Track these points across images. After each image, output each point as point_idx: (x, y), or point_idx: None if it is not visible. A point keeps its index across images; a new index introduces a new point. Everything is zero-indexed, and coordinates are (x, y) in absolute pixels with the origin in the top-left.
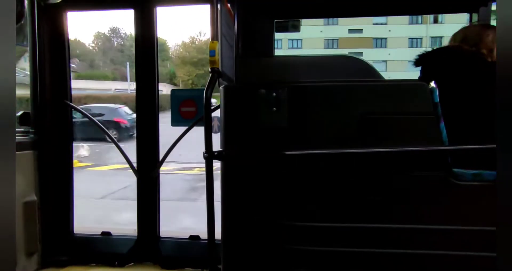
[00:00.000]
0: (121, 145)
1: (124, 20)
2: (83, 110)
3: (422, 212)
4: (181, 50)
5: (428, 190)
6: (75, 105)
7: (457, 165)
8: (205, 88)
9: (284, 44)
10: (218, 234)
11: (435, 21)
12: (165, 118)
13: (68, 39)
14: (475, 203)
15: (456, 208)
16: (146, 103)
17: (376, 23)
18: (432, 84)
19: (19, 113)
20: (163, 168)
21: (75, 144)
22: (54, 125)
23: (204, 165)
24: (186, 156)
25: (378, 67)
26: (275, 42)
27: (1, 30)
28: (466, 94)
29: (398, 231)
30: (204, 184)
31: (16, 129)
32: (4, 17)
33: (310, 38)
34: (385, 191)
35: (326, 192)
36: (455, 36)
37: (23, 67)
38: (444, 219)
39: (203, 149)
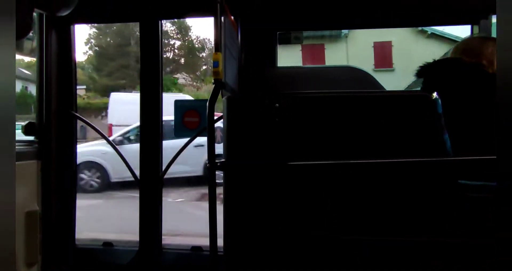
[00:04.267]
0: None
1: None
2: (87, 120)
3: (427, 225)
4: None
5: (432, 202)
6: (79, 115)
7: (462, 177)
8: (209, 99)
9: None
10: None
11: None
12: None
13: (74, 51)
14: (481, 215)
15: (461, 220)
16: (149, 113)
17: None
18: (435, 95)
19: (24, 123)
20: None
21: None
22: (59, 135)
23: None
24: None
25: None
26: None
27: (1, 31)
28: (468, 106)
29: (402, 244)
30: None
31: (22, 139)
32: (4, 17)
33: None
34: (389, 203)
35: (330, 203)
36: (456, 48)
37: None
38: (450, 231)
39: None
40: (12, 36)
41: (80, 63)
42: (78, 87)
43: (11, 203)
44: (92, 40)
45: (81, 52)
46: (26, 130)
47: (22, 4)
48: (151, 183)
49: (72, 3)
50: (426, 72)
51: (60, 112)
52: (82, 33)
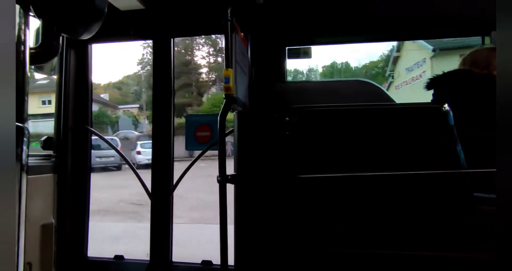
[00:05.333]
0: None
1: None
2: (102, 135)
3: (442, 238)
4: None
5: (448, 215)
6: (95, 131)
7: (477, 189)
8: (220, 113)
9: None
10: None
11: None
12: None
13: (91, 69)
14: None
15: (477, 233)
16: (162, 130)
17: None
18: (446, 107)
19: (43, 138)
20: None
21: None
22: (75, 149)
23: None
24: None
25: None
26: None
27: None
28: (480, 117)
29: (416, 258)
30: None
31: (39, 154)
32: (4, 20)
33: None
34: (401, 216)
35: (342, 216)
36: (464, 60)
37: None
38: (465, 245)
39: None
40: (12, 47)
41: (132, 81)
42: (130, 106)
43: (12, 213)
44: (145, 59)
45: (132, 71)
46: (44, 145)
47: (51, 29)
48: (162, 197)
49: (95, 28)
50: (436, 84)
51: (76, 127)
52: (135, 52)
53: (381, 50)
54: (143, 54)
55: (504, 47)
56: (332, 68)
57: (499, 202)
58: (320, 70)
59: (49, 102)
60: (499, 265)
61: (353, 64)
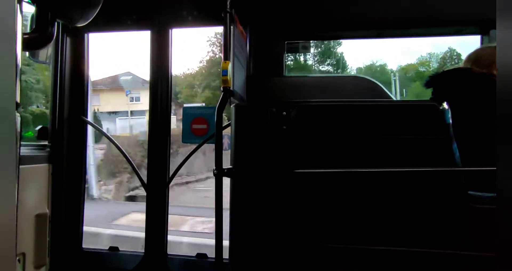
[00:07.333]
0: None
1: None
2: (98, 126)
3: (437, 236)
4: None
5: (442, 213)
6: (90, 121)
7: (472, 188)
8: (217, 106)
9: None
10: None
11: None
12: None
13: (88, 59)
14: (492, 227)
15: (472, 232)
16: (158, 122)
17: None
18: (444, 105)
19: (37, 128)
20: None
21: None
22: (70, 140)
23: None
24: None
25: None
26: None
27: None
28: (477, 116)
29: (411, 255)
30: None
31: (34, 143)
32: (4, 15)
33: None
34: (397, 214)
35: (337, 211)
36: (469, 57)
37: None
38: (460, 243)
39: None
40: (13, 35)
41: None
42: (196, 105)
43: (12, 205)
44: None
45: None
46: (39, 134)
47: (45, 14)
48: (158, 188)
49: (91, 15)
50: (435, 82)
51: (72, 118)
52: (198, 50)
53: (420, 49)
54: (208, 52)
55: (504, 47)
56: (370, 70)
57: (499, 201)
58: (354, 72)
59: (138, 99)
60: (499, 264)
61: (390, 66)
